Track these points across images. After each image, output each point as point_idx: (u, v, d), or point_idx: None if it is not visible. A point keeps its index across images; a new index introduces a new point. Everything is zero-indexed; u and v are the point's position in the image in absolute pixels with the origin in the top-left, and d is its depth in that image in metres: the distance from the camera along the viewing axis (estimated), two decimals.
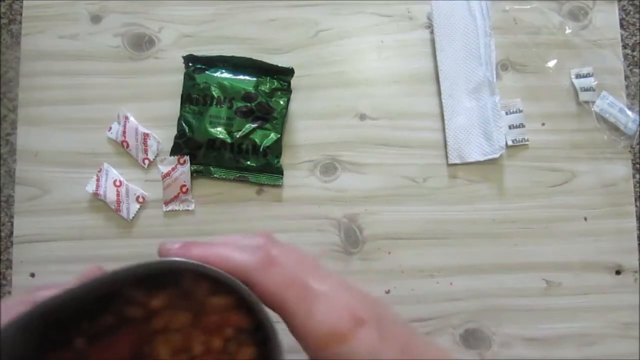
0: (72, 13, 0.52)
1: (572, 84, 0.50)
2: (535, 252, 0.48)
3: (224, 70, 0.49)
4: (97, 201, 0.49)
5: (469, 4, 0.50)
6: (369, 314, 0.22)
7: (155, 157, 0.50)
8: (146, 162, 0.50)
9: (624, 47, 0.52)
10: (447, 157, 0.49)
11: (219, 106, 0.48)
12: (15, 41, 0.53)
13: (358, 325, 0.22)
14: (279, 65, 0.49)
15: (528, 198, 0.49)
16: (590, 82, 0.50)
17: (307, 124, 0.50)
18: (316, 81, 0.51)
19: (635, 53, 0.52)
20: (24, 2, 0.52)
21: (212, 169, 0.49)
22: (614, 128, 0.49)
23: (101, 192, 0.49)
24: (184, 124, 0.49)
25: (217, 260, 0.23)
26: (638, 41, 0.52)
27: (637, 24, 0.53)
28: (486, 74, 0.49)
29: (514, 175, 0.49)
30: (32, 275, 0.49)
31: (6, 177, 0.52)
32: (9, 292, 0.49)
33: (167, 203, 0.49)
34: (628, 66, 0.51)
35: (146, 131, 0.50)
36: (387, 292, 0.48)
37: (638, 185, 0.50)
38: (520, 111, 0.49)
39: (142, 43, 0.51)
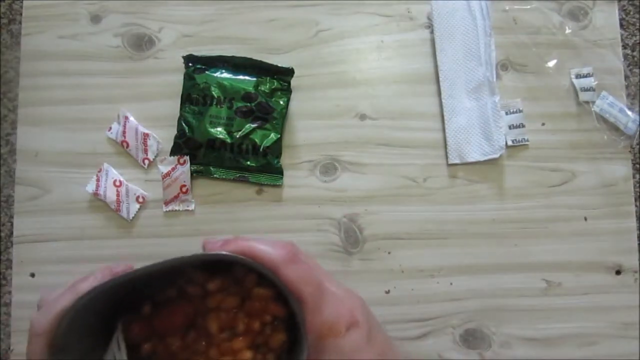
0: (72, 13, 0.52)
1: (572, 84, 0.50)
2: (535, 252, 0.48)
3: (224, 70, 0.49)
4: (97, 201, 0.49)
5: (469, 4, 0.50)
6: (363, 318, 0.26)
7: (155, 157, 0.50)
8: (146, 162, 0.50)
9: (624, 47, 0.52)
10: (447, 157, 0.49)
11: (219, 106, 0.48)
12: (15, 41, 0.53)
13: (353, 325, 0.26)
14: (279, 65, 0.49)
15: (528, 198, 0.49)
16: (590, 82, 0.50)
17: (307, 124, 0.50)
18: (316, 81, 0.51)
19: (635, 53, 0.52)
20: (24, 2, 0.52)
21: (212, 169, 0.49)
22: (614, 128, 0.49)
23: (101, 192, 0.49)
24: (184, 124, 0.49)
25: (252, 252, 0.26)
26: (638, 41, 0.53)
27: (637, 24, 0.53)
28: (486, 74, 0.49)
29: (514, 175, 0.49)
30: (32, 275, 0.49)
31: (6, 177, 0.52)
32: (9, 292, 0.49)
33: (167, 203, 0.49)
34: (628, 66, 0.51)
35: (146, 131, 0.50)
36: (387, 292, 0.48)
37: (638, 185, 0.50)
38: (520, 111, 0.49)
39: (142, 43, 0.51)
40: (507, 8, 0.51)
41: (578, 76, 0.50)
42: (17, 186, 0.50)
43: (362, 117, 0.50)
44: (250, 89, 0.48)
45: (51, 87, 0.51)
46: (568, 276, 0.48)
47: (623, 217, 0.49)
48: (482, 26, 0.50)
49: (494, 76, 0.50)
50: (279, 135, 0.48)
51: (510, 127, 0.49)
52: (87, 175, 0.49)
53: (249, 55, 0.49)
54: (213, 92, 0.48)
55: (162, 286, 0.30)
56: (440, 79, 0.50)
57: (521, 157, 0.49)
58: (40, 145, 0.50)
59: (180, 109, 0.49)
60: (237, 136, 0.48)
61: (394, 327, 0.47)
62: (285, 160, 0.49)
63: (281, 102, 0.49)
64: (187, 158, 0.48)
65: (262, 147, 0.48)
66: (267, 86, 0.49)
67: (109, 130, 0.50)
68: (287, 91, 0.49)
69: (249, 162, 0.48)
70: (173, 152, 0.49)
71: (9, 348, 0.48)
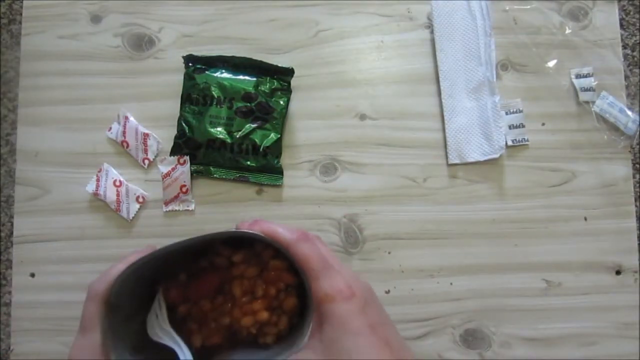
0: (72, 13, 0.52)
1: (572, 84, 0.50)
2: (535, 252, 0.48)
3: (224, 70, 0.49)
4: (97, 201, 0.49)
5: (469, 4, 0.50)
6: (360, 293, 0.30)
7: (155, 157, 0.50)
8: (146, 162, 0.50)
9: (624, 47, 0.52)
10: (447, 157, 0.49)
11: (219, 106, 0.48)
12: (15, 41, 0.53)
13: (349, 295, 0.29)
14: (279, 65, 0.49)
15: (528, 198, 0.49)
16: (590, 82, 0.50)
17: (307, 124, 0.50)
18: (316, 81, 0.51)
19: (635, 53, 0.52)
20: (24, 2, 0.52)
21: (212, 169, 0.49)
22: (614, 128, 0.49)
23: (101, 192, 0.49)
24: (184, 124, 0.49)
25: (272, 232, 0.32)
26: (638, 41, 0.53)
27: (637, 24, 0.53)
28: (486, 74, 0.49)
29: (514, 175, 0.49)
30: (32, 275, 0.49)
31: (6, 177, 0.52)
32: (9, 292, 0.49)
33: (167, 203, 0.49)
34: (628, 66, 0.51)
35: (146, 131, 0.50)
36: (387, 292, 0.48)
37: (638, 185, 0.50)
38: (520, 111, 0.49)
39: (142, 43, 0.51)
40: (507, 8, 0.51)
41: (578, 76, 0.50)
42: (17, 186, 0.50)
43: (362, 117, 0.50)
44: (250, 89, 0.48)
45: (51, 87, 0.51)
46: (568, 276, 0.48)
47: (623, 217, 0.49)
48: (482, 26, 0.50)
49: (494, 76, 0.50)
50: (279, 135, 0.48)
51: (510, 127, 0.49)
52: (87, 175, 0.49)
53: (249, 55, 0.49)
54: (213, 92, 0.48)
55: (195, 259, 0.37)
56: (440, 79, 0.50)
57: (521, 157, 0.49)
58: (40, 145, 0.50)
59: (180, 109, 0.49)
60: (237, 136, 0.48)
61: None
62: (285, 160, 0.49)
63: (281, 102, 0.49)
64: (187, 158, 0.48)
65: (262, 147, 0.48)
66: (267, 86, 0.49)
67: (109, 130, 0.50)
68: (287, 91, 0.49)
69: (249, 162, 0.48)
70: (173, 152, 0.49)
71: (9, 348, 0.48)
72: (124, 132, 0.50)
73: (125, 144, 0.50)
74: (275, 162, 0.48)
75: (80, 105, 0.51)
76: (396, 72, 0.51)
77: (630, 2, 0.53)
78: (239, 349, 0.36)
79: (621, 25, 0.52)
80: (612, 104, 0.49)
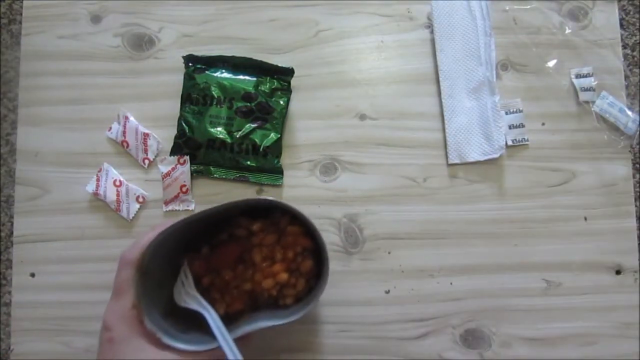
0: (72, 13, 0.52)
1: (572, 84, 0.50)
2: (535, 252, 0.48)
3: (224, 70, 0.49)
4: (97, 201, 0.49)
5: (469, 4, 0.50)
6: None
7: (155, 157, 0.50)
8: (146, 162, 0.50)
9: (624, 47, 0.52)
10: (447, 157, 0.49)
11: (219, 106, 0.48)
12: (15, 41, 0.53)
13: None
14: (279, 65, 0.49)
15: (528, 198, 0.49)
16: (590, 82, 0.50)
17: (307, 124, 0.50)
18: (316, 81, 0.51)
19: (635, 53, 0.52)
20: (24, 2, 0.52)
21: (212, 169, 0.49)
22: (614, 128, 0.49)
23: (101, 192, 0.49)
24: (184, 124, 0.49)
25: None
26: (638, 41, 0.53)
27: (637, 24, 0.53)
28: (486, 74, 0.49)
29: (514, 175, 0.49)
30: (32, 275, 0.49)
31: (6, 177, 0.52)
32: (9, 292, 0.49)
33: (167, 203, 0.49)
34: (628, 66, 0.51)
35: (146, 131, 0.50)
36: (387, 292, 0.48)
37: (638, 185, 0.50)
38: (520, 111, 0.49)
39: (142, 43, 0.51)
40: (507, 8, 0.51)
41: (578, 76, 0.50)
42: (17, 186, 0.50)
43: (362, 117, 0.50)
44: (250, 88, 0.48)
45: (51, 87, 0.51)
46: (568, 276, 0.48)
47: (623, 217, 0.49)
48: (482, 26, 0.50)
49: (494, 76, 0.50)
50: (279, 135, 0.48)
51: (510, 127, 0.49)
52: (87, 175, 0.49)
53: (249, 55, 0.49)
54: (213, 92, 0.48)
55: (216, 232, 0.40)
56: (440, 78, 0.50)
57: (521, 157, 0.49)
58: (40, 145, 0.50)
59: (180, 109, 0.49)
60: (237, 136, 0.48)
61: (394, 327, 0.47)
62: (285, 160, 0.49)
63: (281, 102, 0.49)
64: (187, 158, 0.48)
65: (262, 147, 0.48)
66: (267, 86, 0.49)
67: (109, 130, 0.50)
68: (287, 91, 0.49)
69: (249, 162, 0.48)
70: (173, 152, 0.49)
71: (9, 348, 0.48)
72: (124, 132, 0.50)
73: (125, 144, 0.50)
74: (275, 162, 0.48)
75: (80, 105, 0.51)
76: (396, 72, 0.51)
77: (630, 2, 0.53)
78: (260, 312, 0.39)
79: (621, 25, 0.52)
80: (612, 104, 0.49)
